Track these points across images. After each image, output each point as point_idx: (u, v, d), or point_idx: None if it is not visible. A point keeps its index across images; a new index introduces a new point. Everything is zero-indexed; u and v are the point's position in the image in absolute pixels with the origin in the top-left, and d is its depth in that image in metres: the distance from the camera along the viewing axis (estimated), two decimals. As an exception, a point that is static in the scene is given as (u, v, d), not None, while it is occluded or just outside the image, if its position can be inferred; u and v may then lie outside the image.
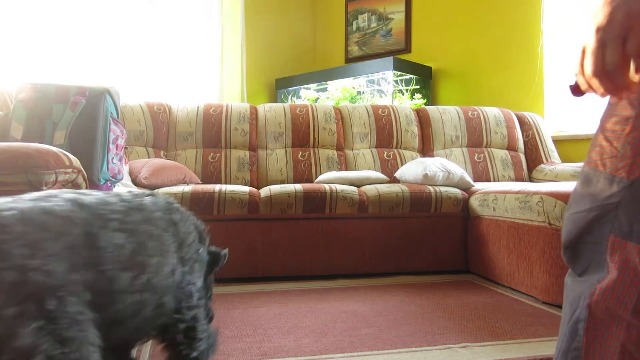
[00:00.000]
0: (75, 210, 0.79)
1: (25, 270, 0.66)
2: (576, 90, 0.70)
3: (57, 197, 0.80)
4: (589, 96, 0.70)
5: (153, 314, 0.90)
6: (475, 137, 3.45)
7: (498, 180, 3.31)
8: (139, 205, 0.93)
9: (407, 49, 4.60)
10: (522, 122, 3.58)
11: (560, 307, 1.97)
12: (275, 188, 2.62)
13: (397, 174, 3.07)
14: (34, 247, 0.69)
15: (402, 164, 3.26)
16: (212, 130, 3.21)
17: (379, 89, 4.33)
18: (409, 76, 4.24)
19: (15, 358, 0.63)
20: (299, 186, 2.60)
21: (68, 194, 0.84)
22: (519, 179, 3.35)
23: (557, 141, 3.68)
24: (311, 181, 3.12)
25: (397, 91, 4.21)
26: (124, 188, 2.22)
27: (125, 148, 2.04)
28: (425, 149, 3.45)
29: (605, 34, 0.60)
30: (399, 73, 4.16)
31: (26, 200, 0.77)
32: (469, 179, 2.86)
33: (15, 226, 0.69)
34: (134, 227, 0.87)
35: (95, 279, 0.76)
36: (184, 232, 1.03)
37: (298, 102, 4.70)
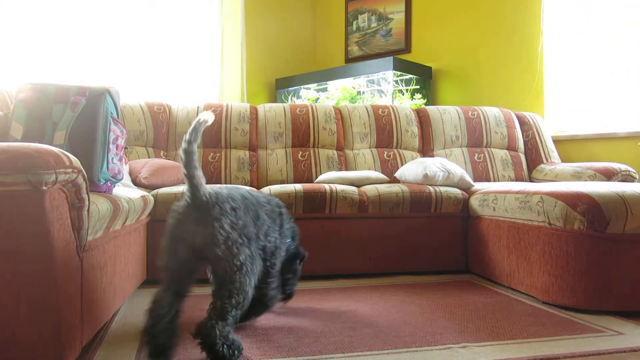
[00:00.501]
0: (249, 197, 1.56)
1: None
2: None
3: (241, 189, 1.60)
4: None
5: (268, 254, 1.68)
6: (475, 137, 3.46)
7: (498, 180, 3.31)
8: (268, 200, 1.73)
9: (407, 49, 4.60)
10: (522, 122, 3.58)
11: (560, 307, 1.97)
12: (275, 188, 2.62)
13: (397, 174, 3.07)
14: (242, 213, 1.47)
15: (402, 164, 3.26)
16: (212, 130, 3.21)
17: (379, 89, 4.33)
18: (409, 76, 4.24)
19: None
20: (299, 186, 2.60)
21: (240, 189, 1.60)
22: (519, 179, 3.36)
23: (557, 141, 3.69)
24: (311, 181, 3.12)
25: (397, 91, 4.21)
26: (124, 188, 2.22)
27: (125, 148, 2.04)
28: (425, 149, 3.45)
29: None
30: (399, 73, 4.16)
31: (232, 189, 1.53)
32: (469, 179, 2.86)
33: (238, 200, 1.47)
34: (269, 211, 1.66)
35: (258, 234, 1.54)
36: (283, 220, 1.78)
37: (298, 102, 4.70)
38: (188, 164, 1.35)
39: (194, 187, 1.37)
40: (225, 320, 1.36)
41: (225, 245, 1.38)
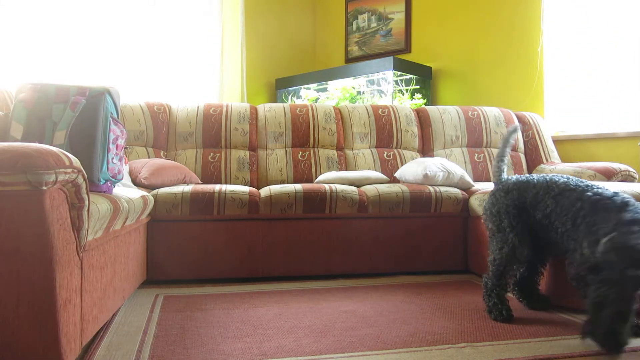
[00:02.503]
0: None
1: None
2: None
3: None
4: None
5: None
6: (475, 137, 3.46)
7: (498, 180, 3.31)
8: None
9: (407, 49, 4.60)
10: (522, 122, 3.58)
11: (559, 307, 1.97)
12: (275, 188, 2.62)
13: (397, 174, 3.07)
14: None
15: (402, 164, 3.26)
16: (212, 130, 3.21)
17: (379, 89, 4.33)
18: (409, 76, 4.24)
19: None
20: (299, 186, 2.60)
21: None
22: (519, 179, 3.35)
23: (557, 141, 3.69)
24: (311, 181, 3.12)
25: (397, 91, 4.21)
26: (124, 188, 2.22)
27: (125, 148, 2.04)
28: (425, 149, 3.45)
29: None
30: (399, 73, 4.16)
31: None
32: (469, 179, 2.86)
33: None
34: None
35: None
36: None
37: (298, 102, 4.70)
38: None
39: None
40: None
41: None
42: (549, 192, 1.73)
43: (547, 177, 1.78)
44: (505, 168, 1.99)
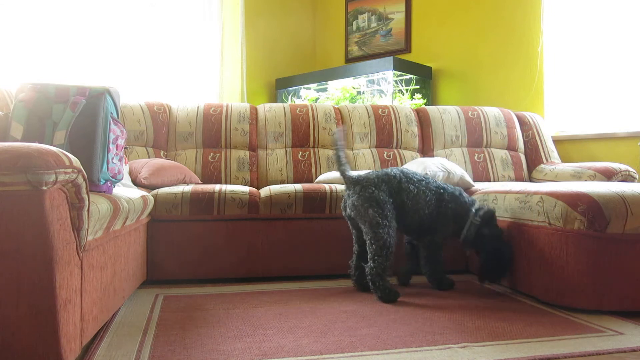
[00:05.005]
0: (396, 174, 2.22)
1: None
2: None
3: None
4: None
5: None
6: (475, 137, 3.45)
7: (498, 180, 3.31)
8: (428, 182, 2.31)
9: (407, 49, 4.60)
10: (522, 122, 3.58)
11: (560, 307, 1.97)
12: (275, 188, 2.62)
13: (397, 174, 3.07)
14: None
15: (402, 164, 3.26)
16: (212, 130, 3.21)
17: (379, 89, 4.33)
18: (409, 76, 4.24)
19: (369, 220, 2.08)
20: (299, 186, 2.60)
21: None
22: (519, 179, 3.36)
23: (557, 141, 3.69)
24: (311, 181, 3.12)
25: (397, 91, 4.21)
26: (124, 188, 2.22)
27: (125, 148, 2.04)
28: (425, 149, 3.45)
29: None
30: (399, 73, 4.16)
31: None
32: (469, 179, 2.86)
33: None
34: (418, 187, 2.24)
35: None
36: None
37: (298, 102, 4.70)
38: None
39: None
40: None
41: None
42: (409, 181, 2.23)
43: (399, 170, 2.25)
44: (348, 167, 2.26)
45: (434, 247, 2.30)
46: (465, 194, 2.32)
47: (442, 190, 2.27)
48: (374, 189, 2.12)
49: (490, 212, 2.23)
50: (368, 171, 2.27)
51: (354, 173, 2.23)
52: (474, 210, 2.24)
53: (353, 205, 2.14)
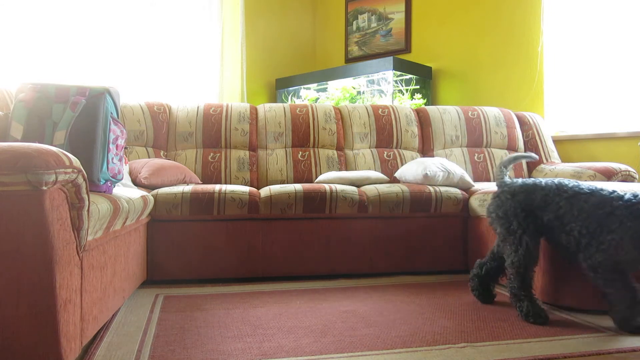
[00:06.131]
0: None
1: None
2: None
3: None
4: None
5: None
6: (475, 137, 3.46)
7: (498, 180, 3.31)
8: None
9: (407, 49, 4.60)
10: (522, 122, 3.58)
11: (560, 307, 1.97)
12: (275, 188, 2.62)
13: (397, 174, 3.07)
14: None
15: (402, 164, 3.26)
16: (212, 130, 3.21)
17: (379, 89, 4.33)
18: (409, 76, 4.24)
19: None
20: (299, 186, 2.60)
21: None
22: (519, 179, 3.35)
23: (557, 141, 3.69)
24: (311, 181, 3.12)
25: (397, 91, 4.21)
26: (124, 188, 2.22)
27: (125, 148, 2.04)
28: (425, 149, 3.45)
29: None
30: (399, 73, 4.16)
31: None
32: (469, 179, 2.86)
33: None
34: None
35: None
36: None
37: (298, 102, 4.70)
38: None
39: None
40: None
41: None
42: (560, 194, 1.78)
43: (556, 181, 1.85)
44: (507, 173, 2.04)
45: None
46: None
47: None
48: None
49: None
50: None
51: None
52: None
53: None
